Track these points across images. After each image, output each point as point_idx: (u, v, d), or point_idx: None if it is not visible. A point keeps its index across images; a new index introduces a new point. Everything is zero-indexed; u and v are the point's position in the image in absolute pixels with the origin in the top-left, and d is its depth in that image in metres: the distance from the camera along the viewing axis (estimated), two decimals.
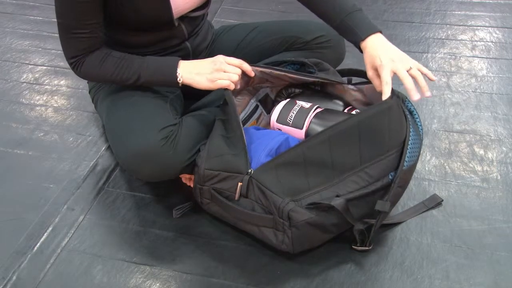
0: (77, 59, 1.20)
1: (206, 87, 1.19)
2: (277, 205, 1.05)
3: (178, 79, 1.19)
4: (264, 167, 1.08)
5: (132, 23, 1.22)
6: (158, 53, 1.31)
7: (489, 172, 1.35)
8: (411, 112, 1.23)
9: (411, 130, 1.11)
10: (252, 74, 1.25)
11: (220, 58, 1.21)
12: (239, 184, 1.09)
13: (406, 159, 1.08)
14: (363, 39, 1.15)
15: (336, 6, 1.20)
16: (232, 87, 1.18)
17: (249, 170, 1.08)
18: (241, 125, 1.13)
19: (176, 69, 1.19)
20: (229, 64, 1.20)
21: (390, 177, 1.08)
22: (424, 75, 1.12)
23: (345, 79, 1.31)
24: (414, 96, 1.08)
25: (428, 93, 1.09)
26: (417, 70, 1.11)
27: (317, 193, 1.06)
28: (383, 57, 1.12)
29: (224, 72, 1.18)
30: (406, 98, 1.23)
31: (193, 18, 1.34)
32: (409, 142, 1.10)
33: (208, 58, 1.22)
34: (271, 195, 1.06)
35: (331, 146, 1.07)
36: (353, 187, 1.07)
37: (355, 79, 1.30)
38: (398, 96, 1.14)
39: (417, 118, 1.22)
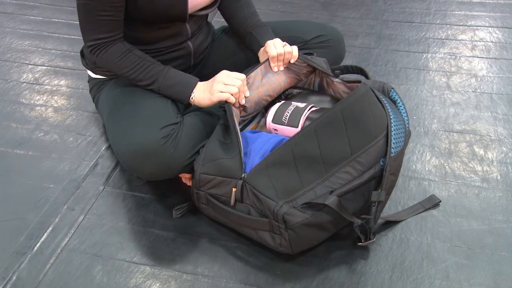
0: (97, 43, 1.20)
1: (209, 103, 1.22)
2: (271, 209, 1.05)
3: (190, 98, 1.24)
4: (256, 169, 1.08)
5: (145, 14, 1.22)
6: (161, 51, 1.31)
7: (489, 172, 1.35)
8: (394, 101, 1.23)
9: (391, 116, 1.11)
10: (242, 102, 1.25)
11: (222, 72, 1.22)
12: (234, 189, 1.09)
13: (393, 145, 1.08)
14: (262, 46, 1.35)
15: (248, 20, 1.41)
16: (232, 100, 1.19)
17: (243, 175, 1.09)
18: (239, 134, 1.13)
19: (192, 90, 1.23)
20: (229, 76, 1.21)
21: (381, 163, 1.08)
22: (293, 57, 1.31)
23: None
24: (272, 63, 1.30)
25: (282, 68, 1.32)
26: (289, 47, 1.30)
27: (311, 190, 1.06)
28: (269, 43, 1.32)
29: (224, 84, 1.19)
30: (392, 88, 1.24)
31: (198, 17, 1.35)
32: (392, 129, 1.10)
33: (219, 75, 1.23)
34: (265, 199, 1.06)
35: (319, 139, 1.06)
36: (347, 178, 1.06)
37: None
38: (368, 85, 1.16)
39: (401, 106, 1.22)
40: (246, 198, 1.09)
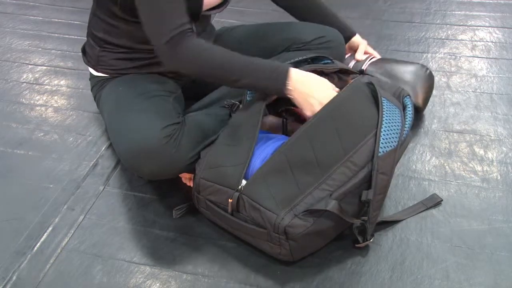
0: (179, 32, 1.08)
1: (310, 113, 1.12)
2: (272, 221, 1.04)
3: (286, 90, 1.11)
4: (253, 179, 1.08)
5: None
6: None
7: (489, 172, 1.35)
8: (405, 107, 1.22)
9: (384, 114, 1.10)
10: None
11: (324, 86, 1.14)
12: (230, 200, 1.09)
13: (382, 144, 1.07)
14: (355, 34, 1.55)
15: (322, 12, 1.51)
16: None
17: (239, 187, 1.08)
18: (254, 144, 1.11)
19: (286, 78, 1.11)
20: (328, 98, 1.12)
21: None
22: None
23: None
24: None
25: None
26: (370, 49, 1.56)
27: (310, 194, 1.05)
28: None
29: (320, 104, 1.11)
30: (408, 95, 1.23)
31: (205, 17, 1.33)
32: (383, 127, 1.08)
33: (322, 79, 1.15)
34: (265, 211, 1.05)
35: (311, 142, 1.06)
36: (343, 179, 1.05)
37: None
38: (365, 80, 1.16)
39: (409, 111, 1.19)
40: (242, 210, 1.09)
